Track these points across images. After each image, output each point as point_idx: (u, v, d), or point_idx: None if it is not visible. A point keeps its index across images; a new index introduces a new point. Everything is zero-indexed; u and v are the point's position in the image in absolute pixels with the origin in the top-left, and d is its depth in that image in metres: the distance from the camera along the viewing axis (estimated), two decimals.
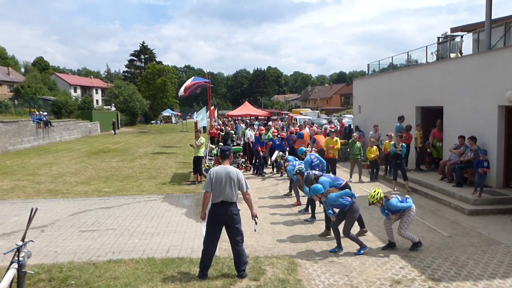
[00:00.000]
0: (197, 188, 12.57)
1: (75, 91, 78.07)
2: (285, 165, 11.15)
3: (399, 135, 12.22)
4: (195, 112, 27.79)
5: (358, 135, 14.88)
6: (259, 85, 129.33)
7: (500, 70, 10.45)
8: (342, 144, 15.63)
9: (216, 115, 34.25)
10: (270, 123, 24.45)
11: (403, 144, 11.79)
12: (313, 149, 14.97)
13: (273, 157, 14.24)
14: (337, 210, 7.30)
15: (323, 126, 17.93)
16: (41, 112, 31.40)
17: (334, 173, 13.67)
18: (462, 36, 15.59)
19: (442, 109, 13.20)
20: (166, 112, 73.93)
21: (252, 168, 15.87)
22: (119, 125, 51.37)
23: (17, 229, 8.37)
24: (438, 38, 18.38)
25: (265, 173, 15.35)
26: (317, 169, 9.24)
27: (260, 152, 15.34)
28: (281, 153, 12.41)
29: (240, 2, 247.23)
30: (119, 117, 52.28)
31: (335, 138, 13.74)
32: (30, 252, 5.16)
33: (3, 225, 8.75)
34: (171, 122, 76.61)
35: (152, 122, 70.58)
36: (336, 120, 27.57)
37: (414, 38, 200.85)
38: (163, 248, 7.17)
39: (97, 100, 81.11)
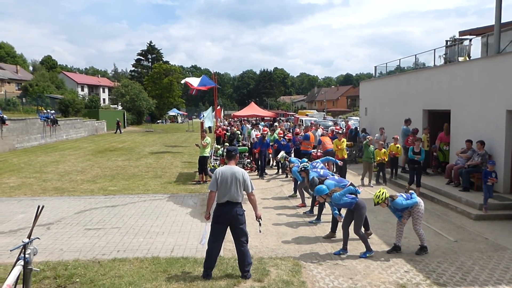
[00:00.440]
0: (202, 188, 12.59)
1: (82, 90, 78.58)
2: (290, 166, 11.14)
3: (419, 139, 11.87)
4: (201, 112, 27.83)
5: (373, 138, 14.46)
6: (266, 86, 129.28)
7: (509, 74, 10.36)
8: (348, 146, 15.56)
9: (222, 115, 34.30)
10: (276, 124, 24.46)
11: (422, 148, 11.53)
12: (319, 150, 14.96)
13: (278, 157, 14.23)
14: (344, 211, 7.29)
15: (329, 128, 17.86)
16: (48, 111, 31.60)
17: (344, 174, 13.65)
18: (470, 40, 15.50)
19: (449, 112, 13.12)
20: (172, 112, 74.10)
21: (256, 169, 15.86)
22: (125, 124, 51.57)
23: (23, 226, 8.43)
24: (446, 41, 18.25)
25: (266, 174, 15.31)
26: (324, 170, 9.15)
27: (257, 154, 15.30)
28: (285, 154, 12.38)
29: (247, 2, 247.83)
30: (125, 116, 52.48)
31: (343, 139, 13.71)
32: (36, 250, 5.19)
33: (10, 222, 8.82)
34: (177, 122, 76.82)
35: (158, 121, 70.81)
36: (342, 122, 27.52)
37: (422, 41, 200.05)
38: (168, 247, 7.19)
39: (104, 99, 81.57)
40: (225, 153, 6.17)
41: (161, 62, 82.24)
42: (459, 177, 11.42)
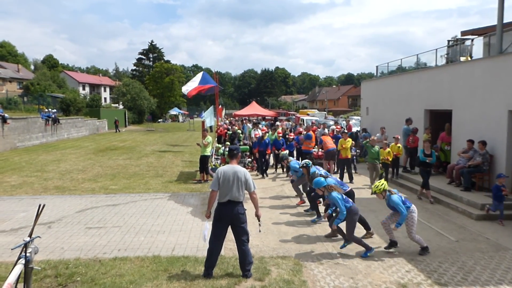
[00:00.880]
0: (203, 187, 12.59)
1: (84, 89, 78.58)
2: (288, 160, 11.16)
3: (429, 141, 11.51)
4: (202, 111, 27.88)
5: (375, 138, 14.04)
6: (267, 85, 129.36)
7: (511, 74, 10.33)
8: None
9: (223, 114, 34.28)
10: (277, 123, 24.45)
11: (433, 151, 11.13)
12: (320, 150, 14.96)
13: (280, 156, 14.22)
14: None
15: (330, 128, 17.85)
16: (49, 109, 31.63)
17: (350, 174, 13.60)
18: (472, 40, 15.46)
19: (451, 112, 13.10)
20: (173, 111, 74.24)
21: (257, 169, 15.76)
22: (126, 123, 51.60)
23: (24, 224, 8.44)
24: (448, 41, 18.17)
25: (267, 175, 15.20)
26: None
27: (257, 154, 15.20)
28: (286, 152, 12.37)
29: (249, 2, 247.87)
30: (126, 115, 52.51)
31: (348, 139, 13.68)
32: (37, 248, 5.20)
33: (11, 220, 8.82)
34: (178, 121, 76.97)
35: (159, 120, 70.92)
36: (343, 122, 27.51)
37: (424, 41, 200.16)
38: (169, 246, 7.19)
39: (105, 98, 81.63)
40: (226, 152, 6.17)
41: (162, 61, 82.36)
42: (460, 177, 11.40)
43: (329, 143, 14.28)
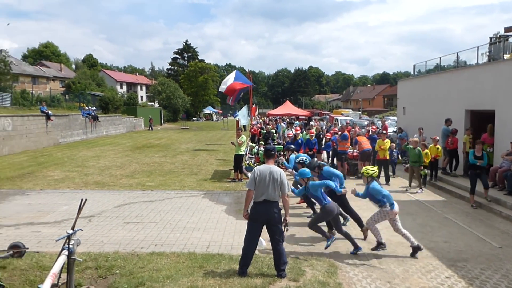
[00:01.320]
0: (237, 186, 12.67)
1: (121, 87, 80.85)
2: (291, 150, 11.16)
3: (481, 142, 10.64)
4: (236, 111, 28.06)
5: (417, 139, 13.15)
6: (300, 85, 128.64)
7: None
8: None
9: (256, 113, 34.38)
10: (311, 123, 24.27)
11: (484, 153, 10.35)
12: (355, 150, 14.71)
13: (325, 159, 14.08)
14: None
15: (365, 128, 17.55)
16: (90, 107, 32.78)
17: (386, 175, 13.30)
18: None
19: (493, 113, 12.56)
20: (207, 110, 75.06)
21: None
22: (162, 121, 52.69)
23: (67, 217, 8.79)
24: (490, 38, 17.49)
25: None
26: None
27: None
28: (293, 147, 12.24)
29: (282, 1, 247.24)
30: (162, 114, 53.61)
31: (386, 140, 13.39)
32: (79, 240, 5.40)
33: (55, 213, 9.21)
34: (212, 120, 77.79)
35: (193, 119, 71.92)
36: (379, 122, 26.95)
37: (463, 38, 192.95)
38: (204, 243, 7.28)
39: (141, 97, 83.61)
40: (260, 152, 6.20)
41: (196, 60, 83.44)
42: (504, 181, 10.92)
43: (365, 143, 14.03)
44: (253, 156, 16.38)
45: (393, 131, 21.89)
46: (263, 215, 5.72)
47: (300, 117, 30.57)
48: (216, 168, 16.22)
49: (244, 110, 21.32)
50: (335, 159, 15.11)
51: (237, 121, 19.44)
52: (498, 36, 18.05)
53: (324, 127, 23.41)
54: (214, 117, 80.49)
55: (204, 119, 77.42)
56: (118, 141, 28.91)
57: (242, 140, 13.49)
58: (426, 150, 12.50)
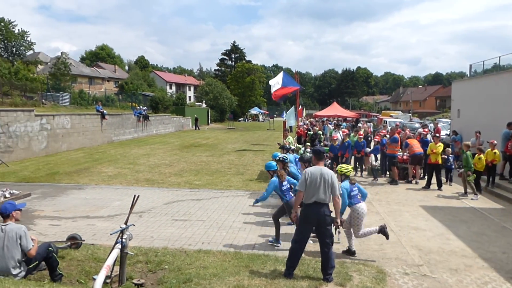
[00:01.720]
0: None
1: (171, 88, 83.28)
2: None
3: None
4: (284, 112, 28.08)
5: (469, 143, 12.58)
6: (348, 86, 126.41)
7: None
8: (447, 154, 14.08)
9: (303, 115, 34.16)
10: (359, 124, 23.77)
11: None
12: (405, 154, 14.22)
13: (373, 162, 13.74)
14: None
15: (417, 131, 16.89)
16: (141, 107, 34.05)
17: (438, 180, 12.73)
18: None
19: None
20: (254, 110, 75.60)
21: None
22: (209, 121, 53.68)
23: (119, 212, 9.15)
24: None
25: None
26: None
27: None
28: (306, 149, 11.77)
29: (330, 0, 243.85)
30: (209, 114, 54.62)
31: (439, 143, 12.85)
32: (131, 235, 5.62)
33: (108, 208, 9.63)
34: (258, 120, 78.21)
35: (240, 119, 72.67)
36: (431, 124, 25.89)
37: None
38: (249, 243, 7.33)
39: (189, 97, 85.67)
40: (314, 154, 6.13)
41: (243, 61, 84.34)
42: None
43: (416, 146, 13.53)
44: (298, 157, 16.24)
45: (446, 134, 20.96)
46: (314, 217, 5.66)
47: (347, 118, 30.06)
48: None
49: (291, 111, 21.26)
50: (385, 162, 14.66)
51: (284, 122, 19.40)
52: None
53: (371, 128, 22.75)
54: (260, 117, 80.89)
55: (250, 120, 78.02)
56: (167, 140, 29.78)
57: (289, 141, 13.46)
58: (481, 155, 11.83)
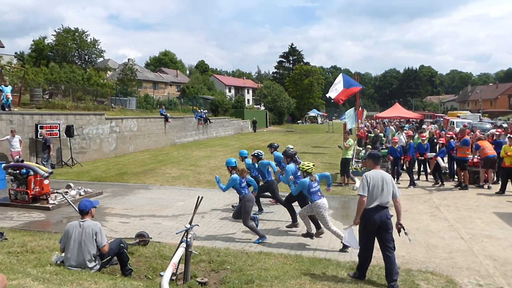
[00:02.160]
0: (343, 190, 12.41)
1: (230, 91, 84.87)
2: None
3: None
4: (343, 114, 27.58)
5: None
6: (410, 86, 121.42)
7: None
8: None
9: (363, 116, 33.31)
10: (423, 126, 22.73)
11: None
12: (476, 156, 13.35)
13: (442, 164, 13.09)
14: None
15: (489, 131, 15.78)
16: (201, 110, 35.11)
17: (504, 188, 11.88)
18: None
19: None
20: (312, 112, 74.99)
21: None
22: (267, 124, 54.05)
23: (183, 212, 9.50)
24: None
25: (416, 184, 13.82)
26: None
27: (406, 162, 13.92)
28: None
29: None
30: (267, 116, 54.98)
31: None
32: (195, 235, 5.80)
33: (172, 208, 10.02)
34: (317, 123, 77.39)
35: (298, 121, 72.39)
36: (505, 124, 24.10)
37: None
38: (310, 247, 7.27)
39: (248, 100, 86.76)
40: (372, 158, 5.96)
41: (301, 63, 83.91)
42: None
43: (489, 149, 12.65)
44: (359, 160, 15.87)
45: None
46: (376, 222, 5.51)
47: (410, 119, 28.86)
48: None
49: (351, 112, 20.78)
50: (453, 166, 13.87)
51: (344, 124, 19.01)
52: None
53: (434, 129, 21.47)
54: (319, 120, 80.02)
55: (309, 122, 77.42)
56: (226, 142, 30.38)
57: (349, 143, 13.16)
58: None
